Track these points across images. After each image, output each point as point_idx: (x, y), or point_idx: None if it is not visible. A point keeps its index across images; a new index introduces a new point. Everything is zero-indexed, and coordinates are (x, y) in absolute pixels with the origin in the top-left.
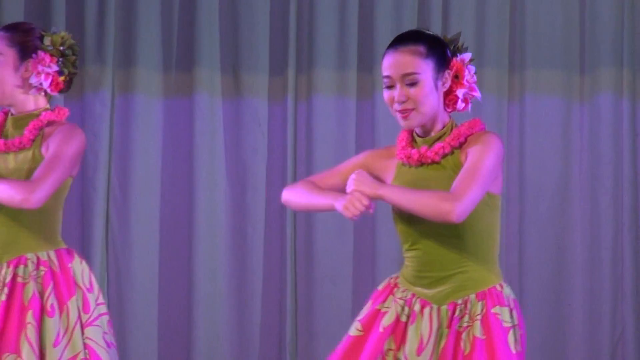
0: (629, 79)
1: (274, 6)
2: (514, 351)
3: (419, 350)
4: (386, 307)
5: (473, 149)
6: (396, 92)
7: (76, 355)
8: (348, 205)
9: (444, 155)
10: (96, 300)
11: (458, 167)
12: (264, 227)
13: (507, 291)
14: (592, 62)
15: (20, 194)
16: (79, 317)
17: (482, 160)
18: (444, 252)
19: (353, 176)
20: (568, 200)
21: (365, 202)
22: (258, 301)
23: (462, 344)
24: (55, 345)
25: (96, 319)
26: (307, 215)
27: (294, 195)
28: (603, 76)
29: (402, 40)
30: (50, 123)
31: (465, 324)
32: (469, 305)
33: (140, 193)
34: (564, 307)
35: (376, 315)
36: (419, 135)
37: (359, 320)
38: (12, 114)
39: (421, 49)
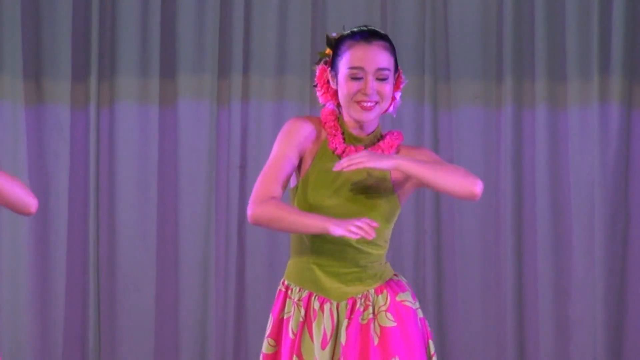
0: (430, 85)
1: (75, 12)
2: (420, 331)
3: (323, 345)
4: (288, 313)
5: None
6: (368, 85)
7: None
8: (355, 230)
9: None
10: None
11: (385, 175)
12: (67, 234)
13: (403, 278)
14: None
15: (32, 198)
16: None
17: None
18: (347, 249)
19: (361, 154)
20: None
21: (374, 227)
22: (61, 308)
23: (370, 334)
24: None
25: None
26: (110, 222)
27: (271, 217)
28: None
29: (373, 35)
30: None
31: (370, 316)
32: (371, 298)
33: None
34: None
35: (281, 324)
36: (349, 128)
37: (268, 336)
38: None
39: (389, 46)
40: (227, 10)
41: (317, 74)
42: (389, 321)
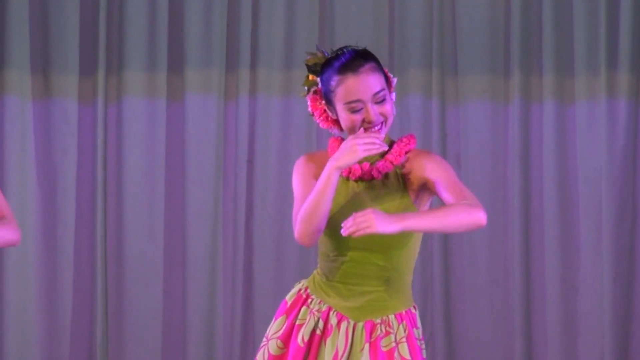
0: (438, 80)
1: (83, 7)
2: None
3: None
4: (302, 320)
5: (429, 171)
6: (370, 113)
7: None
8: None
9: (386, 173)
10: None
11: (401, 184)
12: (74, 229)
13: (417, 313)
14: (401, 63)
15: (16, 235)
16: None
17: (451, 178)
18: (364, 269)
19: (370, 217)
20: None
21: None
22: (68, 304)
23: None
24: None
25: None
26: (118, 217)
27: (303, 218)
28: (412, 77)
29: (357, 62)
30: None
31: (392, 344)
32: (392, 325)
33: None
34: None
35: (292, 329)
36: None
37: (278, 338)
38: None
39: (375, 64)
40: (235, 4)
41: (309, 104)
42: (407, 353)
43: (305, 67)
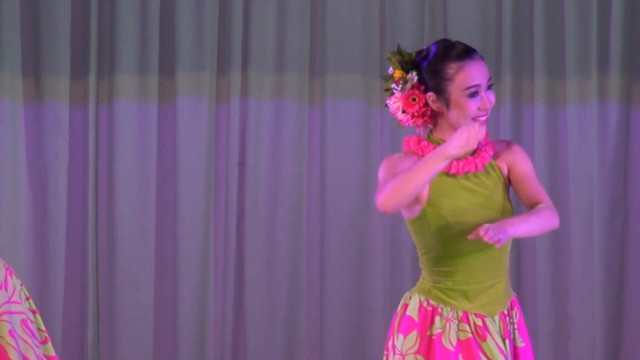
0: None
1: (74, 9)
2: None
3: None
4: (440, 328)
5: (519, 161)
6: (485, 100)
7: None
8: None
9: (484, 164)
10: (10, 298)
11: (499, 174)
12: (66, 232)
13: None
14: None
15: None
16: None
17: (533, 172)
18: (485, 264)
19: (485, 227)
20: (369, 204)
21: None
22: (60, 306)
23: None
24: None
25: (3, 313)
26: (109, 220)
27: (394, 188)
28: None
29: (469, 49)
30: None
31: (511, 335)
32: (512, 315)
33: None
34: (365, 311)
35: (430, 341)
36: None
37: (417, 353)
38: None
39: (481, 55)
40: (226, 7)
41: (401, 102)
42: (520, 341)
43: (295, 69)
